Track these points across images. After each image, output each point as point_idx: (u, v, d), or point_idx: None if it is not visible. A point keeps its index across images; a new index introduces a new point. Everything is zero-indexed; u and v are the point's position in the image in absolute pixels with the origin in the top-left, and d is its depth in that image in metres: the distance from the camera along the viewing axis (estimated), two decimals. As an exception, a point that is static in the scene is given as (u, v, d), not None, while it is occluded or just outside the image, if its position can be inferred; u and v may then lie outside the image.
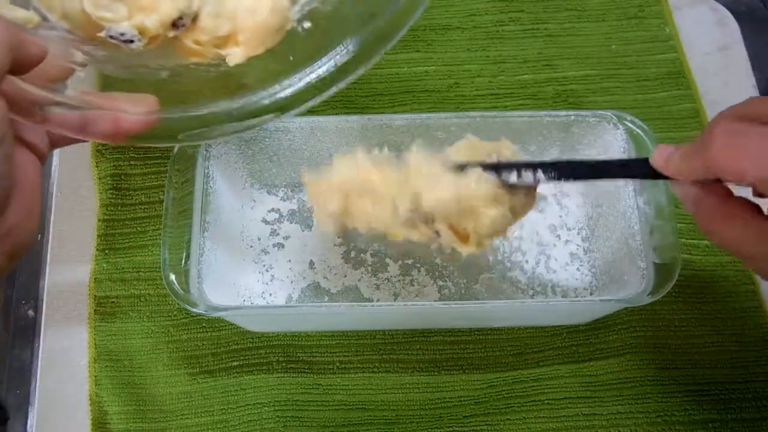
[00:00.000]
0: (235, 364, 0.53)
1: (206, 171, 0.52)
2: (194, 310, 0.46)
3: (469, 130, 0.54)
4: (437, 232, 0.47)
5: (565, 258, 0.57)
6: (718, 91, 0.65)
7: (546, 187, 0.59)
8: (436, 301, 0.55)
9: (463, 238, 0.46)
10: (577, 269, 0.57)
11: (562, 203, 0.59)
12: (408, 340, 0.54)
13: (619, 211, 0.52)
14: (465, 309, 0.51)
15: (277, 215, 0.59)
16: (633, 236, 0.50)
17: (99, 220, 0.58)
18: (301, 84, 0.38)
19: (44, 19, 0.37)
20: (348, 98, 0.63)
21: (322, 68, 0.38)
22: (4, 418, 0.53)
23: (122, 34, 0.37)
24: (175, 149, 0.51)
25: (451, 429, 0.52)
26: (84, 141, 0.34)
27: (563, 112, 0.53)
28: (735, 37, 0.68)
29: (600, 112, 0.53)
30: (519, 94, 0.64)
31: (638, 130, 0.52)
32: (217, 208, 0.52)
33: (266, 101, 0.38)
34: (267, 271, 0.57)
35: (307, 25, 0.42)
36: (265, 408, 0.52)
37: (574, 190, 0.59)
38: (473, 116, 0.53)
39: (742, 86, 0.65)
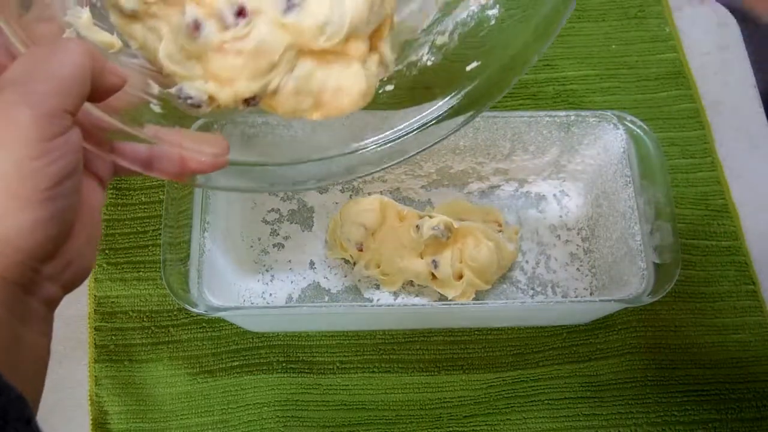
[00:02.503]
0: (235, 364, 0.53)
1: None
2: (194, 310, 0.46)
3: (469, 130, 0.54)
4: (435, 262, 0.52)
5: (565, 258, 0.57)
6: (718, 91, 0.65)
7: (546, 187, 0.60)
8: (436, 301, 0.55)
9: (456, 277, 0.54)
10: (577, 269, 0.57)
11: (562, 203, 0.59)
12: (408, 340, 0.54)
13: (619, 211, 0.52)
14: (465, 309, 0.51)
15: (277, 215, 0.59)
16: (633, 236, 0.50)
17: (99, 220, 0.58)
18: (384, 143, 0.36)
19: (125, 45, 0.35)
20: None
21: (401, 130, 0.36)
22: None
23: (190, 98, 0.34)
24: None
25: (451, 429, 0.52)
26: (144, 175, 0.32)
27: (563, 112, 0.54)
28: (735, 37, 0.68)
29: (600, 112, 0.53)
30: (519, 94, 0.64)
31: (638, 130, 0.52)
32: (217, 208, 0.52)
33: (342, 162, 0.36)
34: (267, 271, 0.57)
35: (389, 87, 0.39)
36: (265, 408, 0.52)
37: (574, 190, 0.59)
38: (473, 116, 0.53)
39: (742, 86, 0.65)
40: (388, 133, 0.37)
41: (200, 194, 0.51)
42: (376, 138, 0.37)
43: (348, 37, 0.33)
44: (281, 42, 0.32)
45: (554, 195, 0.59)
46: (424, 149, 0.36)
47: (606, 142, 0.54)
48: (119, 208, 0.59)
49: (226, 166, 0.34)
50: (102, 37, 0.34)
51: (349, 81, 0.34)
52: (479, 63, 0.36)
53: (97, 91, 0.28)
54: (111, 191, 0.59)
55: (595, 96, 0.64)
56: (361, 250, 0.55)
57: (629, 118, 0.53)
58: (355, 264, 0.56)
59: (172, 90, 0.34)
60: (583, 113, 0.53)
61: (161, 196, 0.58)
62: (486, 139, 0.55)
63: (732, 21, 0.68)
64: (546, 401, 0.52)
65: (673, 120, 0.63)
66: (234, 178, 0.35)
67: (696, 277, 0.56)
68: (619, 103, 0.63)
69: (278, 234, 0.58)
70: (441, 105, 0.36)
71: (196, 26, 0.32)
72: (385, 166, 0.37)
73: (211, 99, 0.34)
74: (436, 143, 0.36)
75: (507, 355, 0.54)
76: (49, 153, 0.26)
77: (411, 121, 0.36)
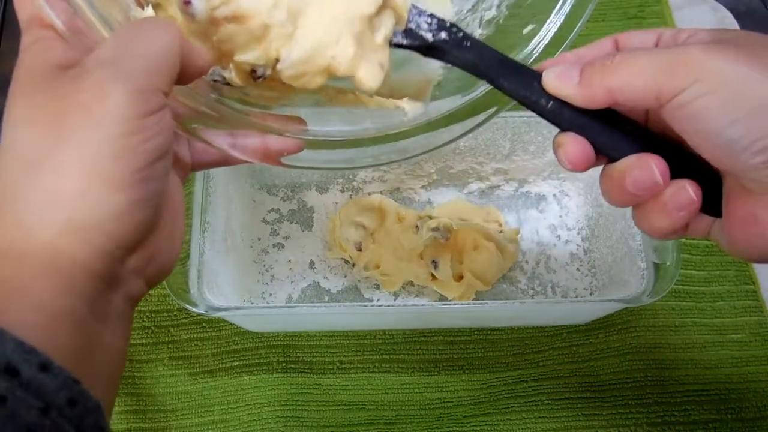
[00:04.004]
0: (235, 364, 0.53)
1: (206, 171, 0.52)
2: (194, 310, 0.46)
3: (469, 130, 0.54)
4: (434, 263, 0.52)
5: (565, 258, 0.57)
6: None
7: (546, 187, 0.60)
8: (436, 301, 0.55)
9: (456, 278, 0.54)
10: (577, 269, 0.57)
11: (562, 203, 0.59)
12: (408, 340, 0.54)
13: (619, 211, 0.52)
14: (465, 309, 0.51)
15: (277, 215, 0.59)
16: (633, 236, 0.50)
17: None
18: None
19: None
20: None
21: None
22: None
23: (219, 78, 0.34)
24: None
25: (451, 429, 0.51)
26: (226, 165, 0.33)
27: (563, 112, 0.53)
28: (735, 37, 0.68)
29: (600, 112, 0.53)
30: (519, 94, 0.64)
31: (638, 130, 0.52)
32: (217, 208, 0.52)
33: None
34: (267, 271, 0.57)
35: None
36: (265, 408, 0.52)
37: (574, 190, 0.59)
38: (473, 116, 0.53)
39: (742, 86, 0.65)
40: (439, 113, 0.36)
41: (200, 194, 0.51)
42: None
43: None
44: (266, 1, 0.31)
45: (554, 195, 0.59)
46: (467, 131, 0.35)
47: (606, 142, 0.54)
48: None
49: (304, 146, 0.33)
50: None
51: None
52: (534, 26, 0.35)
53: (185, 73, 0.28)
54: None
55: (595, 96, 0.64)
56: (360, 250, 0.55)
57: (629, 118, 0.53)
58: (354, 264, 0.56)
59: (207, 75, 0.33)
60: (583, 113, 0.53)
61: (161, 196, 0.58)
62: (486, 139, 0.55)
63: (732, 21, 0.68)
64: (546, 401, 0.52)
65: (673, 120, 0.63)
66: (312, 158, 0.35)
67: (696, 277, 0.56)
68: (619, 103, 0.63)
69: (278, 234, 0.58)
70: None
71: (186, 1, 0.30)
72: (426, 149, 0.36)
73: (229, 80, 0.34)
74: (482, 123, 0.35)
75: (507, 355, 0.54)
76: (144, 130, 0.25)
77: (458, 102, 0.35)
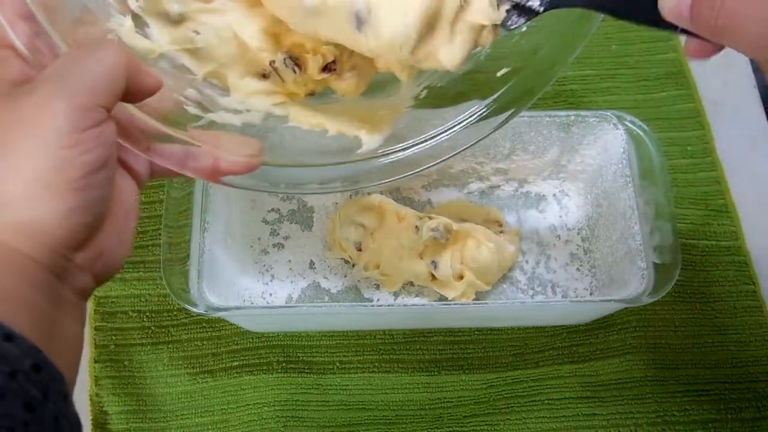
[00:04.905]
0: (235, 364, 0.53)
1: (206, 171, 0.52)
2: (194, 310, 0.46)
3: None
4: (434, 263, 0.52)
5: (565, 258, 0.57)
6: (718, 91, 0.65)
7: (546, 187, 0.59)
8: (436, 301, 0.55)
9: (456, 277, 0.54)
10: (577, 269, 0.57)
11: (562, 203, 0.59)
12: (408, 340, 0.54)
13: (619, 211, 0.52)
14: (465, 309, 0.51)
15: (277, 215, 0.59)
16: (633, 236, 0.50)
17: (99, 220, 0.58)
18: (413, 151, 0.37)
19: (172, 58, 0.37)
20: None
21: (431, 141, 0.37)
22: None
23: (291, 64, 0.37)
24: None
25: (451, 429, 0.51)
26: (182, 176, 0.34)
27: (563, 112, 0.54)
28: (735, 37, 0.68)
29: (600, 112, 0.53)
30: (519, 94, 0.64)
31: (638, 130, 0.52)
32: (217, 208, 0.52)
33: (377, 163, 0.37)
34: (267, 271, 0.57)
35: (422, 95, 0.40)
36: (265, 408, 0.52)
37: (574, 190, 0.59)
38: (473, 116, 0.53)
39: (742, 86, 0.65)
40: (404, 144, 0.37)
41: (200, 194, 0.51)
42: (389, 148, 0.37)
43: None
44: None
45: (554, 195, 0.59)
46: (444, 159, 0.37)
47: (606, 142, 0.54)
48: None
49: (257, 167, 0.35)
50: (143, 44, 0.36)
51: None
52: (509, 69, 0.37)
53: (134, 92, 0.30)
54: (111, 191, 0.59)
55: (595, 96, 0.64)
56: (360, 250, 0.55)
57: (629, 118, 0.53)
58: (354, 264, 0.56)
59: (277, 58, 0.37)
60: (583, 113, 0.53)
61: (161, 196, 0.58)
62: (486, 139, 0.55)
63: (732, 21, 0.68)
64: (546, 401, 0.52)
65: (673, 120, 0.63)
66: (261, 181, 0.36)
67: (696, 277, 0.56)
68: (619, 103, 0.63)
69: (278, 234, 0.58)
70: (467, 113, 0.37)
71: None
72: (393, 178, 0.37)
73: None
74: (453, 155, 0.37)
75: (507, 355, 0.54)
76: (81, 144, 0.27)
77: (431, 131, 0.37)
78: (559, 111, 0.54)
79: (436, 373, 0.53)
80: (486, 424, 0.52)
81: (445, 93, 0.39)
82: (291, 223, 0.59)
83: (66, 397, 0.25)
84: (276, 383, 0.53)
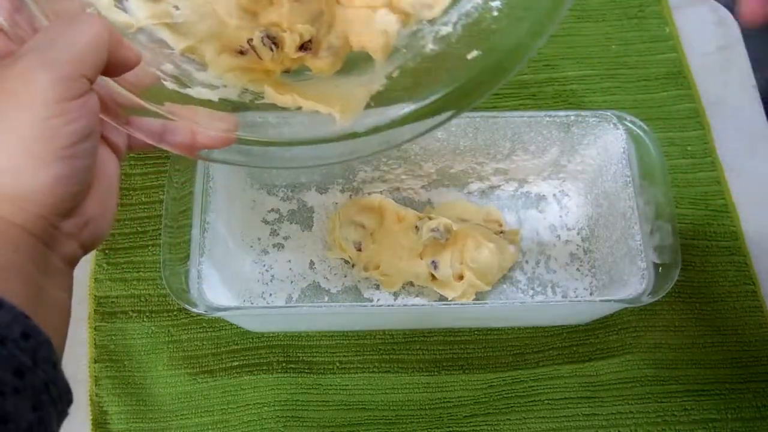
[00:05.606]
0: (235, 364, 0.53)
1: (206, 171, 0.52)
2: (194, 310, 0.46)
3: (469, 130, 0.54)
4: (434, 263, 0.52)
5: (565, 258, 0.57)
6: (718, 91, 0.65)
7: (546, 187, 0.59)
8: (436, 301, 0.55)
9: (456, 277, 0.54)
10: (577, 269, 0.57)
11: (562, 203, 0.59)
12: (408, 340, 0.54)
13: (619, 211, 0.52)
14: (465, 309, 0.51)
15: (277, 215, 0.59)
16: (633, 236, 0.50)
17: (99, 220, 0.58)
18: (383, 119, 0.37)
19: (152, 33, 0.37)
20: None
21: (401, 111, 0.37)
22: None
23: (270, 38, 0.38)
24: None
25: (451, 429, 0.51)
26: (160, 149, 0.35)
27: (563, 112, 0.53)
28: (735, 37, 0.68)
29: (600, 112, 0.53)
30: (519, 94, 0.64)
31: (638, 130, 0.52)
32: (217, 208, 0.52)
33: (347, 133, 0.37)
34: (267, 271, 0.57)
35: (395, 74, 0.40)
36: (265, 408, 0.52)
37: (574, 190, 0.59)
38: (473, 116, 0.53)
39: (742, 86, 0.65)
40: (382, 119, 0.38)
41: (200, 194, 0.51)
42: (372, 122, 0.38)
43: None
44: None
45: (554, 195, 0.59)
46: (415, 137, 0.37)
47: (606, 142, 0.54)
48: (119, 208, 0.58)
49: (233, 142, 0.36)
50: (121, 17, 0.36)
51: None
52: (480, 53, 0.37)
53: (114, 65, 0.30)
54: (111, 191, 0.59)
55: (595, 96, 0.64)
56: (360, 250, 0.55)
57: (629, 118, 0.53)
58: (354, 264, 0.56)
59: (256, 35, 0.38)
60: (583, 113, 0.53)
61: (161, 196, 0.58)
62: (486, 139, 0.55)
63: (732, 21, 0.68)
64: (546, 401, 0.52)
65: (673, 120, 0.63)
66: (236, 155, 0.37)
67: (696, 278, 0.56)
68: (619, 103, 0.63)
69: (278, 234, 0.58)
70: (438, 95, 0.37)
71: None
72: (376, 150, 0.38)
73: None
74: (427, 131, 0.37)
75: (507, 355, 0.54)
76: (66, 113, 0.28)
77: (405, 110, 0.37)
78: (559, 111, 0.54)
79: (436, 373, 0.53)
80: (486, 424, 0.52)
81: (417, 73, 0.39)
82: (291, 223, 0.59)
83: (55, 365, 0.26)
84: (276, 383, 0.53)
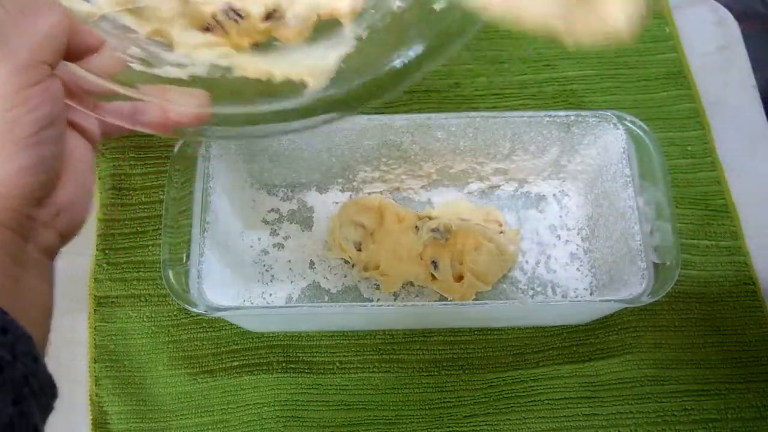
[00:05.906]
0: (235, 364, 0.53)
1: (206, 171, 0.52)
2: (194, 310, 0.46)
3: (469, 130, 0.54)
4: (434, 263, 0.52)
5: (565, 258, 0.57)
6: (718, 91, 0.65)
7: (546, 187, 0.59)
8: (436, 301, 0.55)
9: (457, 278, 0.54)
10: (577, 269, 0.57)
11: (562, 203, 0.59)
12: (408, 340, 0.54)
13: (619, 211, 0.52)
14: (465, 309, 0.51)
15: (277, 215, 0.59)
16: (633, 236, 0.50)
17: (99, 220, 0.58)
18: (354, 84, 0.37)
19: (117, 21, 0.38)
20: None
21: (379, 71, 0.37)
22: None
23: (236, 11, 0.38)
24: (175, 149, 0.51)
25: (451, 429, 0.52)
26: (134, 131, 0.34)
27: (563, 112, 0.53)
28: (735, 37, 0.68)
29: (600, 112, 0.53)
30: (519, 94, 0.64)
31: (638, 130, 0.52)
32: (217, 208, 0.52)
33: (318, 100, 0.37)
34: (267, 271, 0.57)
35: (364, 35, 0.41)
36: (265, 408, 0.52)
37: (574, 190, 0.59)
38: (473, 116, 0.53)
39: (742, 86, 0.65)
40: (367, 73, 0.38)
41: (200, 194, 0.51)
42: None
43: None
44: None
45: (554, 195, 0.59)
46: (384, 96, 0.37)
47: (606, 142, 0.54)
48: (119, 208, 0.59)
49: (208, 119, 0.35)
50: (83, 7, 0.36)
51: None
52: (447, 3, 0.37)
53: (76, 50, 0.31)
54: (111, 191, 0.59)
55: (595, 96, 0.64)
56: (360, 251, 0.55)
57: (629, 118, 0.53)
58: (354, 265, 0.56)
59: (220, 7, 0.38)
60: (583, 113, 0.53)
61: (161, 196, 0.58)
62: (486, 139, 0.55)
63: (732, 21, 0.68)
64: (546, 401, 0.52)
65: (673, 120, 0.63)
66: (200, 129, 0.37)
67: (696, 277, 0.56)
68: (619, 103, 0.63)
69: (278, 234, 0.58)
70: (410, 52, 0.37)
71: None
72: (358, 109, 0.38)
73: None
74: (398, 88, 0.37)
75: (507, 355, 0.54)
76: (27, 101, 0.28)
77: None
78: (559, 111, 0.54)
79: (436, 373, 0.53)
80: (486, 424, 0.52)
81: (386, 33, 0.40)
82: (291, 223, 0.59)
83: (36, 358, 0.26)
84: (276, 383, 0.53)
